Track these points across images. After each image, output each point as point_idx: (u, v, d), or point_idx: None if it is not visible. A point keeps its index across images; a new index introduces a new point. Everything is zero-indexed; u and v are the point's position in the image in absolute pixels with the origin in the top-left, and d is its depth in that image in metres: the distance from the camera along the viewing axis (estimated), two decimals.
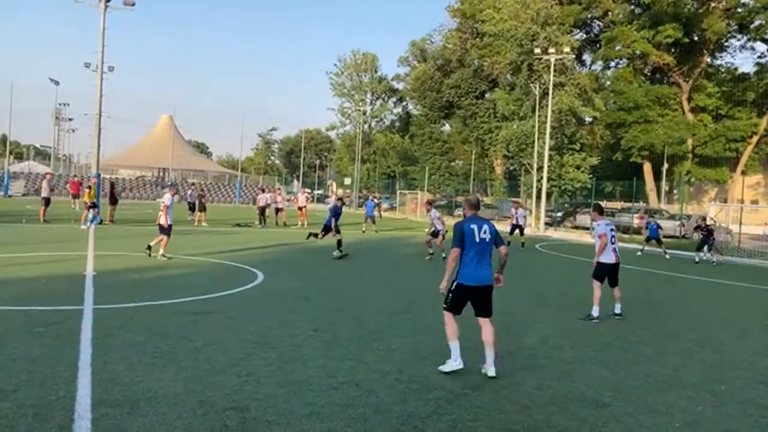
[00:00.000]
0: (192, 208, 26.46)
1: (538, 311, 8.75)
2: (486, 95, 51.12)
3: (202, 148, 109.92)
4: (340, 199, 17.09)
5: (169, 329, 6.31)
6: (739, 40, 44.62)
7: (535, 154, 36.12)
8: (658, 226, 19.84)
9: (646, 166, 45.96)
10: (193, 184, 38.09)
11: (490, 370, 5.19)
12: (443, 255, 14.41)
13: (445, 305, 5.43)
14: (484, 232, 5.34)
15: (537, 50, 35.11)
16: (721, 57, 47.75)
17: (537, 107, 37.83)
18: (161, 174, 66.84)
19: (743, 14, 39.35)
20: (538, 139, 36.30)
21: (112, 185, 23.70)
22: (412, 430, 3.95)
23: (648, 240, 19.93)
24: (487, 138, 49.48)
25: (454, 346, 5.31)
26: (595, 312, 7.99)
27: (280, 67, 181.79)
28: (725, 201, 43.50)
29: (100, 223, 19.87)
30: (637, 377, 5.48)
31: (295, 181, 76.80)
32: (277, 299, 8.44)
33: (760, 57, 44.41)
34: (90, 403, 4.10)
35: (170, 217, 12.26)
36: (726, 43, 45.51)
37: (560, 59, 35.66)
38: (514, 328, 7.35)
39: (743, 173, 44.77)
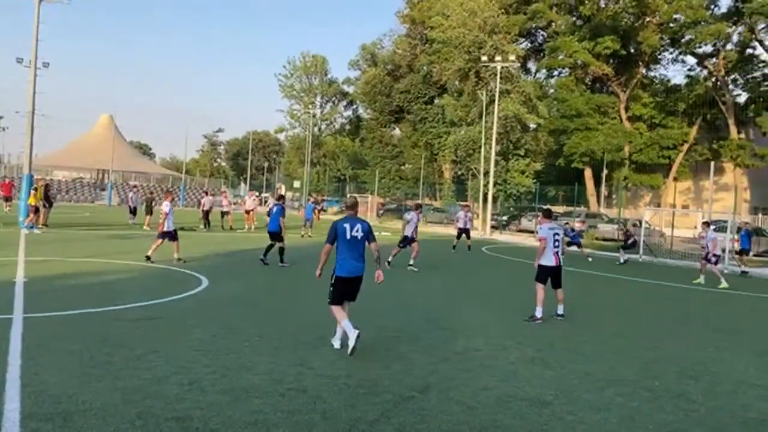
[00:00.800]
0: (133, 212, 25.49)
1: (484, 313, 8.92)
2: (435, 101, 51.91)
3: (144, 150, 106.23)
4: (281, 198, 15.19)
5: (106, 338, 6.04)
6: (671, 53, 47.20)
7: (482, 159, 36.91)
8: (573, 230, 20.81)
9: (586, 172, 47.80)
10: (134, 186, 36.71)
11: (352, 338, 5.78)
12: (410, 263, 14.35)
13: (329, 300, 6.08)
14: (356, 231, 6.03)
15: (484, 58, 35.94)
16: (655, 69, 50.35)
17: (484, 113, 38.69)
18: (100, 176, 64.08)
19: (675, 29, 41.64)
20: (484, 144, 37.12)
21: (47, 187, 22.48)
22: None
23: (569, 245, 20.63)
24: (436, 143, 50.20)
25: (347, 323, 5.91)
26: (538, 313, 8.21)
27: (226, 67, 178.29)
28: (659, 205, 45.83)
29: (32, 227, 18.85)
30: (578, 375, 5.67)
31: (243, 184, 75.36)
32: (222, 305, 8.23)
33: (690, 70, 47.11)
34: (19, 418, 3.87)
35: (170, 222, 12.82)
36: (659, 56, 48.03)
37: (506, 67, 36.64)
38: (461, 329, 7.46)
39: (675, 179, 47.34)
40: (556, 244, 8.45)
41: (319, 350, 6.03)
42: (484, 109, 39.07)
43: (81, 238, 17.54)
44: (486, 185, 35.11)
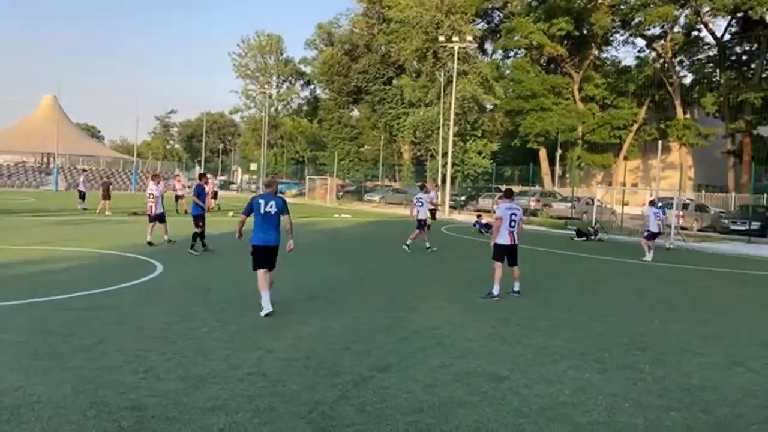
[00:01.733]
0: (82, 197, 24.56)
1: (443, 291, 9.04)
2: (393, 81, 51.73)
3: (92, 132, 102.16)
4: (202, 176, 13.54)
5: (52, 328, 5.82)
6: (622, 35, 48.46)
7: (440, 140, 37.14)
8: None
9: (541, 152, 48.84)
10: (84, 170, 35.27)
11: (267, 309, 6.63)
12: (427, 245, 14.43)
13: (253, 267, 6.88)
14: (270, 206, 6.82)
15: (441, 38, 35.94)
16: (607, 50, 51.63)
17: (442, 94, 38.84)
18: (45, 159, 61.22)
19: (625, 11, 42.63)
20: (443, 125, 37.32)
21: None
22: (320, 416, 3.94)
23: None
24: (394, 124, 50.17)
25: (265, 294, 6.73)
26: (495, 290, 8.38)
27: (178, 46, 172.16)
28: (610, 184, 47.36)
29: None
30: (532, 350, 5.84)
31: (197, 167, 73.52)
32: (178, 291, 8.06)
33: (639, 51, 48.51)
34: None
35: (159, 206, 12.87)
36: (611, 38, 49.23)
37: (463, 48, 36.77)
38: (420, 308, 7.55)
39: (625, 158, 48.95)
40: (512, 223, 8.58)
41: (278, 334, 5.99)
42: (442, 89, 39.21)
43: (25, 224, 16.79)
44: (444, 166, 35.40)
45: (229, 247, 13.45)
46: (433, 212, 20.28)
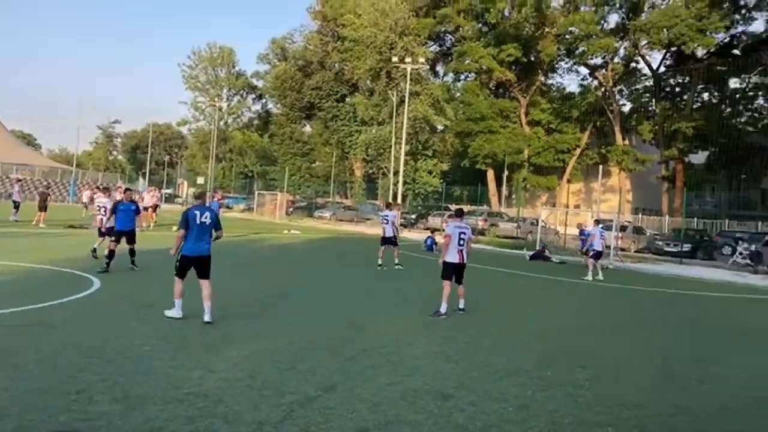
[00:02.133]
0: (17, 207, 23.25)
1: (392, 309, 9.05)
2: (347, 99, 52.00)
3: (28, 140, 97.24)
4: (127, 191, 12.13)
5: None
6: (567, 63, 50.68)
7: (392, 159, 37.50)
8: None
9: (489, 173, 50.09)
10: (18, 180, 33.45)
11: (207, 317, 6.93)
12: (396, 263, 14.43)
13: (175, 273, 7.13)
14: (205, 218, 7.13)
15: (395, 58, 36.52)
16: (552, 77, 53.84)
17: (394, 114, 39.33)
18: None
19: (570, 41, 44.71)
20: (394, 144, 37.74)
21: None
22: None
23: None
24: (347, 141, 50.31)
25: (179, 302, 7.10)
26: (442, 309, 8.46)
27: (124, 55, 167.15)
28: (554, 205, 49.01)
29: None
30: (478, 367, 5.91)
31: (141, 179, 71.16)
32: (116, 307, 7.72)
33: (583, 79, 50.87)
34: None
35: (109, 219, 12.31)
36: (557, 65, 51.41)
37: (416, 69, 37.47)
38: (368, 326, 7.53)
39: (568, 181, 50.89)
40: (461, 242, 8.69)
41: (221, 352, 5.83)
42: (394, 109, 39.72)
43: None
44: (396, 184, 35.71)
45: (169, 262, 13.04)
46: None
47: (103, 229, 12.41)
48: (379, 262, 14.41)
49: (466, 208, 42.48)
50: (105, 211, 12.51)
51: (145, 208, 24.00)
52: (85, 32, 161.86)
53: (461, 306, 8.79)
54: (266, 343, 6.32)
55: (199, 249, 7.08)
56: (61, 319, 6.83)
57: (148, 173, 74.94)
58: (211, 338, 6.35)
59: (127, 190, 12.17)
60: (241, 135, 68.28)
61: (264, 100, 69.36)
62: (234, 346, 6.09)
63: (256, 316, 7.77)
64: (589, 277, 15.48)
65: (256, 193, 50.15)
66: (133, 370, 5.05)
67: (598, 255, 15.91)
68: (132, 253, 11.24)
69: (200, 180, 63.42)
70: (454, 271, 8.69)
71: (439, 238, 19.98)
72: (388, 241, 14.55)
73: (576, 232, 29.94)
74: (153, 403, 4.31)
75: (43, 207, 21.72)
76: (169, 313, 7.14)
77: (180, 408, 4.26)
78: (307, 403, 4.55)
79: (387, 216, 14.83)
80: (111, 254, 10.74)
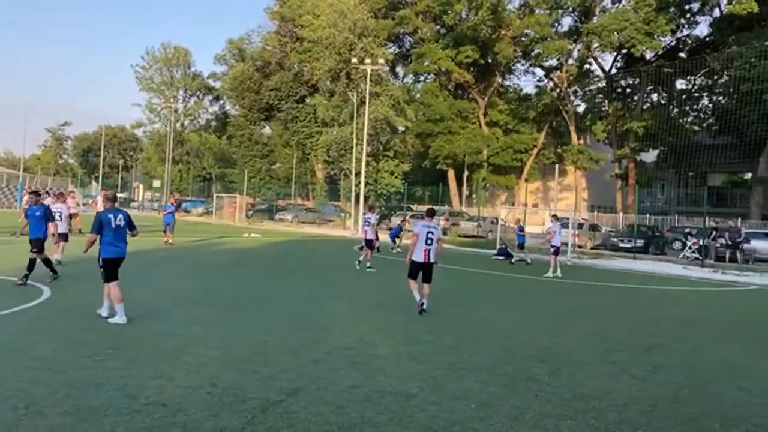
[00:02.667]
0: None
1: (356, 311, 9.03)
2: (306, 100, 51.62)
3: None
4: (33, 194, 10.76)
5: None
6: (523, 65, 51.69)
7: (354, 160, 37.44)
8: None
9: (450, 173, 50.62)
10: None
11: (104, 312, 7.25)
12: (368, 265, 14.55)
13: (104, 279, 7.24)
14: (120, 220, 7.35)
15: (354, 60, 36.47)
16: (509, 78, 54.80)
17: (355, 115, 39.28)
18: None
19: (526, 43, 45.65)
20: (356, 145, 37.69)
21: None
22: None
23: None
24: (308, 142, 49.95)
25: (120, 307, 7.12)
26: (417, 299, 8.65)
27: (74, 54, 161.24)
28: (513, 204, 49.95)
29: None
30: (441, 366, 5.96)
31: (94, 183, 68.79)
32: (68, 317, 7.43)
33: (539, 81, 51.98)
34: None
35: (64, 225, 12.80)
36: (513, 67, 52.36)
37: (376, 70, 37.51)
38: (331, 329, 7.49)
39: (526, 180, 51.94)
40: (429, 241, 8.73)
41: (180, 359, 5.69)
42: (355, 110, 39.67)
43: None
44: (357, 185, 35.68)
45: (125, 268, 12.66)
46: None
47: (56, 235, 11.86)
48: (368, 264, 14.64)
49: (426, 208, 42.81)
50: (61, 218, 12.51)
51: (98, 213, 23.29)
52: (31, 30, 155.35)
53: (425, 305, 8.81)
54: (227, 349, 6.20)
55: (120, 251, 7.33)
56: (8, 330, 6.54)
57: (101, 177, 72.55)
58: (169, 345, 6.19)
59: (32, 193, 10.84)
60: (198, 137, 66.88)
61: (221, 102, 68.15)
62: (193, 352, 5.96)
63: (217, 322, 7.62)
64: (550, 274, 15.83)
65: (215, 196, 49.20)
66: (86, 382, 4.87)
67: (558, 251, 16.29)
68: (30, 266, 9.66)
69: (156, 183, 61.83)
70: (418, 270, 8.76)
71: (408, 227, 20.10)
72: (368, 243, 14.85)
73: (537, 230, 30.61)
74: (108, 415, 4.17)
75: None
76: (113, 320, 7.08)
77: (137, 419, 4.14)
78: (270, 408, 4.49)
79: (369, 218, 15.09)
80: (31, 264, 9.62)
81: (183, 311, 8.23)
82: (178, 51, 66.66)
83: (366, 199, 38.14)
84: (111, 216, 7.28)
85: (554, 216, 17.80)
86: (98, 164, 74.96)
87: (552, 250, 16.26)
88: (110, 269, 7.24)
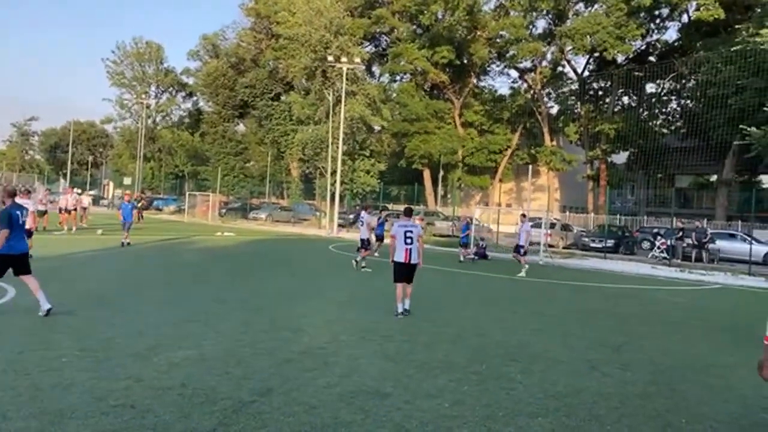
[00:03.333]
0: None
1: (330, 310, 8.99)
2: (282, 97, 51.19)
3: None
4: (28, 191, 12.48)
5: None
6: (498, 66, 52.26)
7: (329, 159, 37.30)
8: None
9: (425, 173, 50.87)
10: None
11: (46, 305, 7.22)
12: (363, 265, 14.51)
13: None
14: (24, 215, 7.45)
15: (330, 58, 36.32)
16: (484, 79, 55.36)
17: (331, 113, 39.12)
18: None
19: (501, 44, 46.14)
20: (332, 144, 37.54)
21: None
22: None
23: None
24: (283, 140, 49.57)
25: (41, 294, 7.22)
26: (398, 308, 8.52)
27: (41, 47, 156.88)
28: (487, 204, 50.43)
29: None
30: (414, 365, 5.98)
31: (62, 180, 67.06)
32: (32, 317, 7.22)
33: (513, 82, 52.64)
34: None
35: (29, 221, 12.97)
36: (488, 68, 52.90)
37: (352, 69, 37.43)
38: (304, 329, 7.44)
39: (500, 181, 52.53)
40: (408, 240, 8.61)
41: (150, 360, 5.58)
42: (331, 108, 39.49)
43: None
44: (333, 184, 35.55)
45: (94, 266, 12.39)
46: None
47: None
48: (363, 264, 14.74)
49: (402, 207, 42.84)
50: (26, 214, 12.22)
51: (68, 211, 22.70)
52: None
53: (406, 306, 8.66)
54: (198, 349, 6.11)
55: (21, 247, 7.33)
56: None
57: (69, 174, 70.79)
58: (138, 346, 6.07)
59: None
60: (171, 134, 65.74)
61: (195, 98, 67.15)
62: (163, 353, 5.85)
63: (188, 322, 7.50)
64: (523, 273, 16.00)
65: (187, 194, 48.46)
66: (52, 383, 4.75)
67: (519, 249, 16.49)
68: None
69: (127, 180, 60.63)
70: (403, 272, 8.62)
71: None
72: (362, 242, 15.11)
73: (511, 230, 30.96)
74: (74, 418, 4.07)
75: None
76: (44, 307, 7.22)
77: (105, 421, 4.04)
78: (242, 409, 4.43)
79: (363, 218, 15.31)
80: None
81: (153, 311, 8.08)
82: (150, 46, 65.47)
83: (342, 198, 38.04)
84: (18, 213, 7.26)
85: (522, 215, 18.00)
86: (66, 161, 73.12)
87: (521, 250, 16.44)
88: (2, 265, 7.14)
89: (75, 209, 23.11)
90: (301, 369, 5.60)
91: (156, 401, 4.48)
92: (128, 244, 17.78)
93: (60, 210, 22.90)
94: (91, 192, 59.07)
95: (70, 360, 5.44)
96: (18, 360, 5.35)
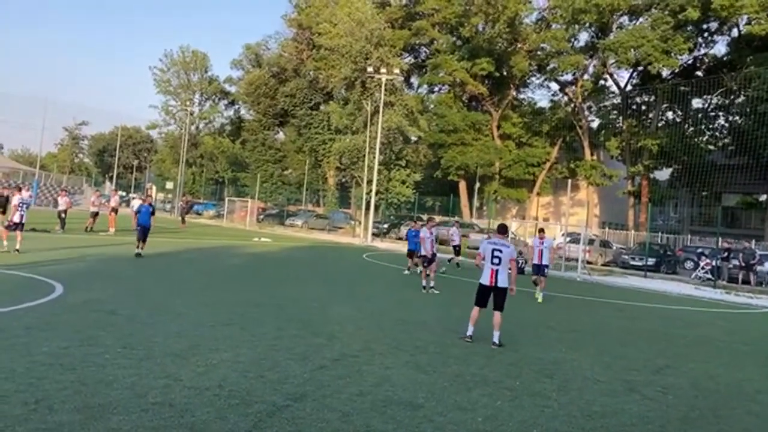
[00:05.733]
0: None
1: (363, 319, 9.02)
2: (321, 107, 51.92)
3: None
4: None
5: None
6: (538, 78, 51.68)
7: (366, 168, 37.53)
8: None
9: (461, 184, 50.56)
10: None
11: None
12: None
13: None
14: None
15: (369, 68, 36.67)
16: (524, 92, 54.83)
17: (368, 123, 39.42)
18: None
19: (542, 57, 45.66)
20: (368, 153, 37.80)
21: None
22: None
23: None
24: (320, 149, 50.18)
25: None
26: (468, 331, 7.87)
27: (93, 56, 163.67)
28: (524, 218, 49.69)
29: None
30: (448, 378, 5.93)
31: (108, 183, 69.48)
32: (79, 314, 7.49)
33: (553, 95, 51.92)
34: None
35: (19, 216, 14.02)
36: (528, 80, 52.38)
37: (390, 80, 37.69)
38: (339, 336, 7.48)
39: (538, 194, 51.74)
40: (495, 260, 7.71)
41: (188, 361, 5.71)
42: (369, 118, 39.80)
43: None
44: (369, 193, 35.73)
45: (137, 268, 12.77)
46: (456, 247, 20.79)
47: (13, 225, 13.93)
48: (431, 284, 12.95)
49: (438, 218, 42.62)
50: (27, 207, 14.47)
51: (115, 210, 23.81)
52: (54, 32, 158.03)
53: (495, 339, 7.66)
54: (234, 352, 6.22)
55: None
56: (19, 325, 6.60)
57: (115, 177, 73.30)
58: (177, 347, 6.22)
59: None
60: (213, 140, 67.40)
61: (237, 106, 68.74)
62: (201, 354, 5.98)
63: (225, 325, 7.65)
64: (539, 297, 13.72)
65: (227, 199, 49.50)
66: (96, 379, 4.91)
67: (542, 269, 14.10)
68: None
69: (169, 185, 62.31)
70: (484, 296, 7.76)
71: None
72: (423, 258, 13.52)
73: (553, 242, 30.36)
74: (116, 413, 4.19)
75: (2, 209, 21.02)
76: None
77: (144, 418, 4.16)
78: (276, 413, 4.49)
79: (418, 232, 14.57)
80: None
81: (192, 313, 8.27)
82: (196, 55, 67.42)
83: (377, 207, 38.18)
84: None
85: (541, 230, 15.38)
86: (113, 164, 75.78)
87: (545, 270, 14.05)
88: None
89: (116, 211, 24.06)
90: (335, 376, 5.63)
91: (193, 401, 4.59)
92: (139, 254, 14.88)
93: (111, 211, 23.90)
94: (134, 195, 60.98)
95: (112, 357, 5.62)
96: (64, 355, 5.56)
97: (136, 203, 25.68)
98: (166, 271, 12.93)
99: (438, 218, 42.12)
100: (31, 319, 7.02)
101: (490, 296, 7.80)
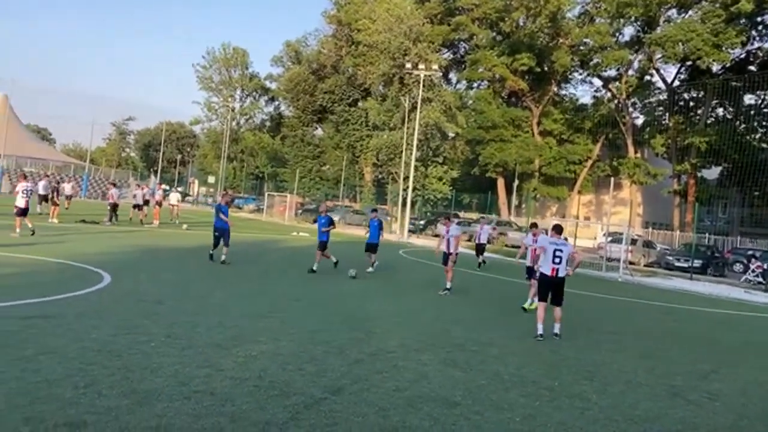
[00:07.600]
0: (47, 200, 23.45)
1: (400, 315, 9.04)
2: (359, 103, 52.17)
3: (43, 134, 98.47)
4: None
5: None
6: (580, 74, 50.55)
7: (402, 164, 37.50)
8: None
9: (499, 182, 49.95)
10: (47, 174, 33.89)
11: None
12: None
13: None
14: None
15: (408, 65, 36.58)
16: (565, 88, 53.71)
17: (406, 119, 39.35)
18: None
19: (584, 52, 44.59)
20: (405, 149, 37.75)
21: None
22: None
23: None
24: (358, 145, 50.43)
25: None
26: (538, 329, 8.06)
27: (140, 54, 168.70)
28: (564, 216, 48.74)
29: None
30: (485, 376, 5.88)
31: (153, 177, 71.63)
32: (126, 303, 7.77)
33: (596, 91, 50.69)
34: None
35: (22, 201, 14.84)
36: (570, 76, 51.27)
37: (429, 76, 37.51)
38: (376, 331, 7.52)
39: (579, 192, 50.62)
40: (557, 260, 8.24)
41: (229, 351, 5.84)
42: (406, 115, 39.74)
43: None
44: (405, 190, 35.70)
45: (182, 258, 13.11)
46: (481, 246, 19.40)
47: (20, 210, 14.70)
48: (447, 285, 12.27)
49: (474, 215, 42.19)
50: (31, 194, 15.42)
51: (159, 203, 24.57)
52: (104, 30, 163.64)
53: (555, 330, 8.21)
54: (274, 344, 6.33)
55: None
56: (70, 312, 6.89)
57: (159, 171, 75.48)
58: (219, 338, 6.37)
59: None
60: (253, 136, 68.62)
61: (276, 102, 69.77)
62: (242, 345, 6.11)
63: (265, 317, 7.79)
64: (529, 303, 11.56)
65: (266, 194, 50.33)
66: (141, 366, 5.08)
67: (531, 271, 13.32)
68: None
69: (211, 179, 63.78)
70: (548, 288, 8.28)
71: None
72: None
73: (588, 244, 29.77)
74: (160, 400, 4.33)
75: (54, 201, 21.95)
76: None
77: (187, 405, 4.28)
78: (314, 405, 4.55)
79: (446, 231, 12.89)
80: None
81: (233, 304, 8.46)
82: (237, 52, 68.68)
83: (413, 204, 38.12)
84: None
85: (533, 224, 12.97)
86: (157, 159, 78.11)
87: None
88: None
89: (161, 204, 24.80)
90: (372, 371, 5.66)
91: (234, 390, 4.69)
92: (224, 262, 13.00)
93: (156, 204, 24.69)
94: (179, 189, 62.73)
95: (157, 345, 5.80)
96: (112, 342, 5.77)
97: (173, 197, 26.48)
98: (209, 263, 13.23)
99: (475, 215, 41.67)
100: (82, 307, 7.31)
101: (550, 289, 8.34)
